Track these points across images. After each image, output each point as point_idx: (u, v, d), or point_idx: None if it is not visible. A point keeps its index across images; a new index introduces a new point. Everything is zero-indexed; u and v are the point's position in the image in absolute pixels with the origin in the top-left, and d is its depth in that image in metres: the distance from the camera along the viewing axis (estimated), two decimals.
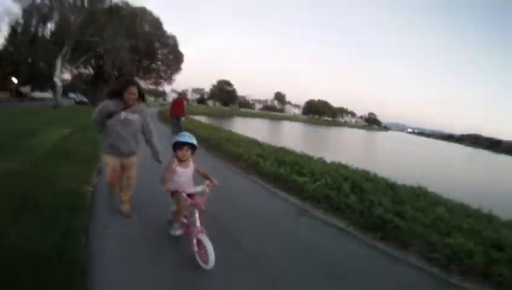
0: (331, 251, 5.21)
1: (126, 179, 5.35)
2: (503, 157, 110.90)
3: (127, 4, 36.32)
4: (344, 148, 42.90)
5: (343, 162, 11.51)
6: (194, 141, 4.34)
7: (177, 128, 15.45)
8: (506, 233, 5.85)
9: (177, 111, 16.36)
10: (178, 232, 4.64)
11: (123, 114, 4.93)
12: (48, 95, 50.29)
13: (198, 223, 4.09)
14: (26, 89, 50.45)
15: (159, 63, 50.84)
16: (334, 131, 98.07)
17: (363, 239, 5.78)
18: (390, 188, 8.26)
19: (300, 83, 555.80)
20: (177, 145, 4.34)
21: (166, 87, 60.47)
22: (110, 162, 5.09)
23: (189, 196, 4.26)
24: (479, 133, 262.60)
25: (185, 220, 4.59)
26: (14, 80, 46.05)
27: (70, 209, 5.20)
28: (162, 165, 4.92)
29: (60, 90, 19.52)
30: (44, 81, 41.98)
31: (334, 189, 7.39)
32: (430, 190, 8.95)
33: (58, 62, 19.30)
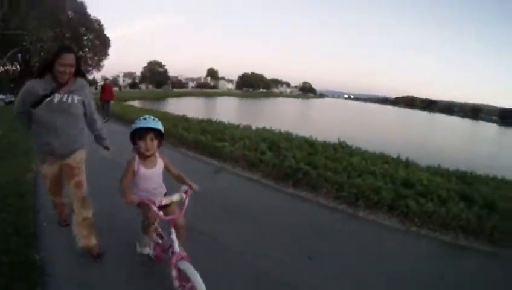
0: (244, 197, 5.77)
1: (74, 188, 3.61)
2: (437, 116, 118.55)
3: None
4: (273, 116, 43.80)
5: (268, 126, 12.05)
6: (160, 126, 2.97)
7: (106, 113, 16.06)
8: (419, 175, 6.60)
9: (105, 96, 16.79)
10: (147, 251, 3.40)
11: (57, 96, 3.39)
12: None
13: (177, 246, 2.87)
14: None
15: (86, 50, 46.43)
16: (266, 102, 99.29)
17: (275, 187, 6.35)
18: (309, 144, 8.74)
19: (234, 57, 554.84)
20: (138, 135, 2.96)
21: (96, 75, 56.56)
22: (46, 171, 3.68)
23: (162, 208, 2.98)
24: (416, 96, 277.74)
25: (158, 240, 3.36)
26: None
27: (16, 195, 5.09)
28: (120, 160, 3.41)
29: None
30: None
31: (252, 149, 7.87)
32: (353, 145, 9.60)
33: None
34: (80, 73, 3.60)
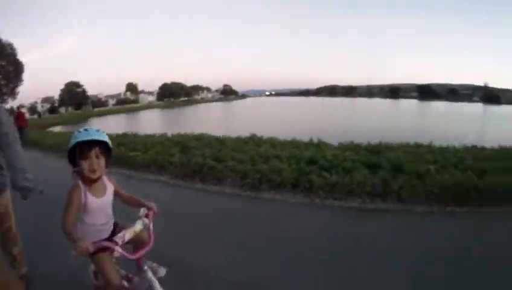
0: (149, 197, 5.81)
1: (3, 237, 2.99)
2: (358, 101, 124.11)
3: None
4: (191, 122, 43.89)
5: (183, 132, 12.44)
6: (106, 137, 2.25)
7: (24, 141, 15.44)
8: (324, 152, 7.18)
9: (19, 123, 16.03)
10: None
11: None
12: None
13: (158, 288, 2.24)
14: None
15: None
16: (187, 109, 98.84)
17: (183, 185, 6.75)
18: (219, 142, 9.15)
19: (153, 69, 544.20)
20: (79, 152, 2.18)
21: (12, 103, 51.79)
22: None
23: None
24: (337, 84, 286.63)
25: (125, 284, 2.50)
26: None
27: None
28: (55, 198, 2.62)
29: None
30: None
31: (163, 154, 8.14)
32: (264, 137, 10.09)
33: None
34: None
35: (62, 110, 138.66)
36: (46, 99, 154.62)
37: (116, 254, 2.06)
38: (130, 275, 2.62)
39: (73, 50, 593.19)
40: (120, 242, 2.12)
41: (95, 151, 2.18)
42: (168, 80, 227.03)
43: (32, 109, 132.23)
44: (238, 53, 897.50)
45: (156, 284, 2.24)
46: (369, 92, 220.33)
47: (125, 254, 2.08)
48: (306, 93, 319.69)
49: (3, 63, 42.77)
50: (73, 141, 2.14)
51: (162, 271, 2.54)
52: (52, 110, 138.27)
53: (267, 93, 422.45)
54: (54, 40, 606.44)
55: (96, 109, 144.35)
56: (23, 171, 2.80)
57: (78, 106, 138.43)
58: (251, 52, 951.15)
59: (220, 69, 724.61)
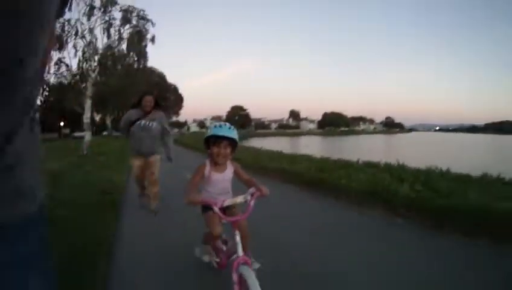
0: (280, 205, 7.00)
1: (149, 175, 5.89)
2: None
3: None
4: (347, 150, 42.55)
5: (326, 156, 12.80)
6: (235, 134, 2.92)
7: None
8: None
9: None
10: (206, 259, 3.42)
11: (143, 121, 5.68)
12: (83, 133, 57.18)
13: (240, 250, 2.70)
14: (67, 130, 73.55)
15: (169, 103, 66.81)
16: (346, 139, 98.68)
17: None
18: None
19: (316, 98, 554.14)
20: (212, 140, 2.96)
21: (179, 117, 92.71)
22: (134, 162, 5.89)
23: (225, 211, 2.87)
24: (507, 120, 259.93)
25: (223, 247, 3.30)
26: (61, 123, 66.91)
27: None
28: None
29: (88, 128, 22.09)
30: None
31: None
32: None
33: (87, 107, 21.93)
34: (158, 107, 5.94)
35: None
36: (215, 118, 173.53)
37: (215, 210, 2.63)
38: (227, 240, 3.37)
39: (243, 75, 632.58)
40: (219, 203, 2.67)
41: (223, 143, 2.91)
42: (329, 109, 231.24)
43: (201, 124, 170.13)
44: (406, 85, 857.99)
45: (239, 247, 2.67)
46: None
47: (220, 213, 2.64)
48: (472, 130, 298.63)
49: (170, 96, 68.93)
50: (209, 133, 2.90)
51: (256, 265, 3.04)
52: None
53: (437, 128, 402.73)
54: (224, 66, 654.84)
55: (258, 130, 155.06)
56: (170, 149, 6.04)
57: (242, 126, 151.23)
58: (420, 85, 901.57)
59: (385, 101, 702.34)
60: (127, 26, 23.02)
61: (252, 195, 2.75)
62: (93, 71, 21.66)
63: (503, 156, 41.16)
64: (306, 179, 8.21)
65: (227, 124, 2.96)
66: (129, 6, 22.59)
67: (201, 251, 3.46)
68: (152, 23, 23.81)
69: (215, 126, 2.95)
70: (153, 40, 24.47)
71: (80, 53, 21.53)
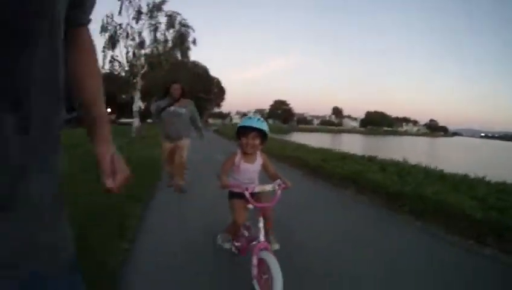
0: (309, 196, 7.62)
1: (178, 158, 6.30)
2: None
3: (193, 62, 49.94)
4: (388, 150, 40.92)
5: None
6: (264, 126, 3.00)
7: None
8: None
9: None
10: (227, 246, 3.53)
11: (172, 107, 6.10)
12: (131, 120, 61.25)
13: (262, 235, 2.82)
14: (112, 117, 74.51)
15: (212, 95, 72.31)
16: (388, 139, 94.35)
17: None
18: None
19: (359, 96, 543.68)
20: (241, 132, 3.06)
21: (223, 108, 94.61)
22: (164, 145, 6.38)
23: (253, 197, 2.89)
24: None
25: (245, 233, 3.40)
26: (108, 110, 64.89)
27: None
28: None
29: (137, 115, 25.46)
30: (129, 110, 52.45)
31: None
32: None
33: (136, 97, 25.43)
34: (185, 96, 6.29)
35: (270, 121, 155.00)
36: (258, 111, 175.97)
37: (246, 195, 2.78)
38: (250, 226, 3.41)
39: (287, 70, 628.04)
40: (250, 189, 2.80)
41: (252, 134, 2.98)
42: (373, 108, 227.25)
43: (243, 116, 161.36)
44: (455, 88, 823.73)
45: (262, 232, 2.80)
46: None
47: (250, 198, 2.78)
48: None
49: (213, 88, 72.40)
50: (240, 123, 3.06)
51: (276, 246, 3.22)
52: None
53: (482, 134, 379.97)
54: (270, 60, 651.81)
55: (300, 125, 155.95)
56: (201, 130, 6.62)
57: (284, 120, 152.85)
58: (470, 88, 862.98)
59: (431, 102, 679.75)
60: (171, 30, 26.83)
61: (279, 185, 2.91)
62: (142, 67, 25.44)
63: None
64: (311, 166, 9.84)
65: (258, 115, 3.23)
66: (173, 12, 26.44)
67: (224, 237, 3.54)
68: (193, 29, 27.57)
69: (245, 118, 3.12)
70: (194, 42, 28.23)
71: (130, 53, 25.63)
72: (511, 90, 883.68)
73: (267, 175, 3.21)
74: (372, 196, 6.62)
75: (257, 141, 3.02)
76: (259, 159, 3.17)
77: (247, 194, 2.79)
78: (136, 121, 25.16)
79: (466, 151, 57.58)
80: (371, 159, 10.48)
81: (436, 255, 3.95)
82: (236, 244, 3.40)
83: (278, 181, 2.91)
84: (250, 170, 3.14)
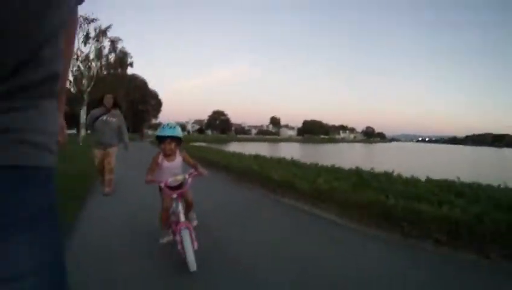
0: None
1: (106, 164, 6.57)
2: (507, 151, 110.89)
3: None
4: (323, 156, 41.85)
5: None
6: (176, 132, 3.56)
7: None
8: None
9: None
10: (166, 239, 3.87)
11: (105, 117, 6.48)
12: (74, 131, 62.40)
13: (182, 216, 3.41)
14: None
15: (149, 107, 78.01)
16: (324, 146, 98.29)
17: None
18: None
19: (297, 106, 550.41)
20: (159, 140, 3.63)
21: (161, 119, 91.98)
22: (95, 152, 6.64)
23: (175, 189, 3.56)
24: (488, 132, 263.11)
25: (173, 218, 3.76)
26: None
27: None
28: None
29: (83, 126, 29.03)
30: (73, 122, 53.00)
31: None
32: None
33: (83, 111, 27.77)
34: (117, 106, 6.81)
35: (208, 132, 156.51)
36: (197, 121, 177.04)
37: (161, 186, 3.55)
38: (178, 212, 3.68)
39: (226, 80, 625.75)
40: (166, 182, 3.51)
41: (167, 140, 3.60)
42: (310, 118, 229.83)
43: (182, 127, 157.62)
44: (394, 96, 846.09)
45: (181, 214, 3.45)
46: None
47: (165, 188, 3.51)
48: (452, 141, 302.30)
49: (151, 101, 77.69)
50: (156, 133, 3.69)
51: (195, 222, 4.05)
52: (200, 130, 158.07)
53: (419, 139, 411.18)
54: (208, 71, 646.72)
55: (238, 135, 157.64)
56: (126, 142, 7.03)
57: (222, 131, 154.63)
58: (407, 96, 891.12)
59: (368, 111, 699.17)
60: (113, 54, 33.41)
61: (189, 174, 3.59)
62: (88, 86, 29.19)
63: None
64: (240, 170, 10.35)
65: (170, 123, 3.69)
66: (115, 37, 32.83)
67: (162, 234, 3.90)
68: (130, 55, 36.34)
69: (160, 127, 3.68)
70: (131, 65, 37.03)
71: (78, 73, 29.55)
72: (444, 95, 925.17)
73: (189, 166, 3.87)
74: (287, 194, 7.35)
75: (173, 145, 3.64)
76: (179, 157, 3.78)
77: (162, 185, 3.52)
78: (82, 132, 28.29)
79: (391, 154, 61.50)
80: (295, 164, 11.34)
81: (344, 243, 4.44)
82: (170, 230, 3.86)
83: (190, 171, 3.68)
84: (172, 167, 3.71)
